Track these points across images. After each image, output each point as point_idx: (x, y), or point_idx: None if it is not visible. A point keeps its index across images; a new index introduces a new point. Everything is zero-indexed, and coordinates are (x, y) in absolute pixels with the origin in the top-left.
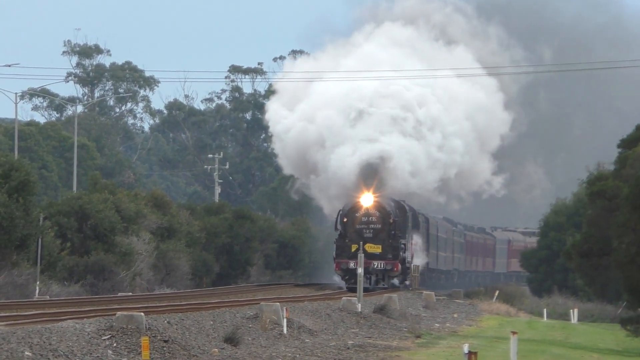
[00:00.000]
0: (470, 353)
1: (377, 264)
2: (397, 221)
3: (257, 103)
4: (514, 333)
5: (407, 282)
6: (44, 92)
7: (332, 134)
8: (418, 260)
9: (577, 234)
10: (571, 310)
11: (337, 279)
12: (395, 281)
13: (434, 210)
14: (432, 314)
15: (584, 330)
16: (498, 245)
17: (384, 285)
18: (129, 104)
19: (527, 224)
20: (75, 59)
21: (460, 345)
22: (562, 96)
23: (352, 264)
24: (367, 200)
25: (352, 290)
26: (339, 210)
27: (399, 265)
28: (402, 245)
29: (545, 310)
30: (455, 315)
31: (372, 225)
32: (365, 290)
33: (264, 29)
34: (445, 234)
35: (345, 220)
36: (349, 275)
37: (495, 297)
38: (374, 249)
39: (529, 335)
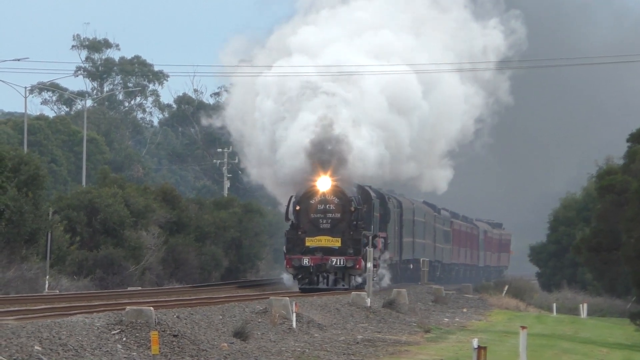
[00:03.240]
0: (479, 348)
1: (335, 261)
2: (359, 209)
3: None
4: (523, 327)
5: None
6: (53, 87)
7: (285, 109)
8: (388, 254)
9: (587, 229)
10: (580, 305)
11: (285, 278)
12: (359, 279)
13: (410, 194)
14: (441, 308)
15: (593, 324)
16: (480, 236)
17: (344, 285)
18: (138, 98)
19: (479, 215)
20: (84, 53)
21: (470, 339)
22: (564, 89)
23: (305, 261)
24: (323, 184)
25: (306, 291)
26: (291, 197)
27: (362, 262)
28: (366, 239)
29: (554, 305)
30: (465, 310)
31: (330, 215)
32: (319, 291)
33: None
34: (424, 218)
35: (297, 208)
36: (302, 274)
37: (504, 292)
38: (332, 242)
39: (539, 330)
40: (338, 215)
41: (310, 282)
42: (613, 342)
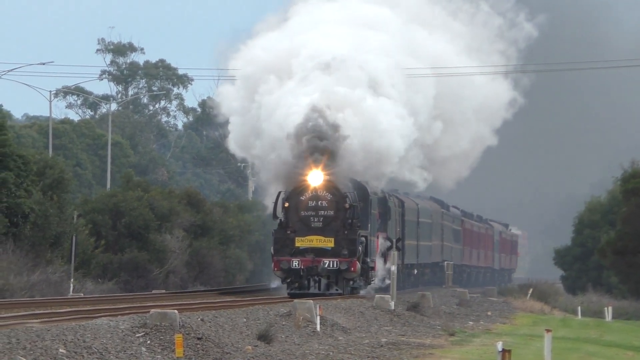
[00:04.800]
0: (504, 351)
1: (328, 263)
2: (355, 207)
3: None
4: (548, 331)
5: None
6: (78, 90)
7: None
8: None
9: (612, 232)
10: (605, 308)
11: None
12: (355, 284)
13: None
14: (465, 311)
15: (619, 327)
16: (495, 237)
17: (337, 290)
18: (162, 102)
19: (500, 218)
20: (109, 57)
21: (494, 343)
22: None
23: (295, 263)
24: (315, 179)
25: (295, 297)
26: (279, 192)
27: (357, 264)
28: (363, 239)
29: (579, 308)
30: (489, 313)
31: (322, 212)
32: (310, 296)
33: None
34: (431, 219)
35: (286, 205)
36: (292, 277)
37: (529, 295)
38: (324, 242)
39: (563, 333)
40: (331, 212)
41: (300, 286)
42: (638, 346)
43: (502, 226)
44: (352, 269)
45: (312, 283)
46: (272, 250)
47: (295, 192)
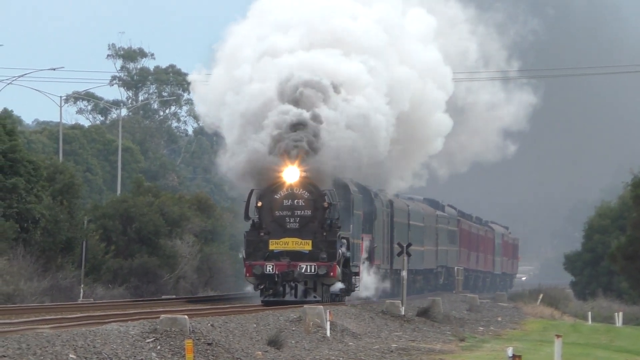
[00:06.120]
0: (514, 356)
1: (305, 268)
2: (334, 206)
3: None
4: (558, 336)
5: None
6: (88, 96)
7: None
8: (373, 260)
9: (622, 237)
10: (616, 314)
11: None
12: (336, 287)
13: (405, 191)
14: (475, 317)
15: (629, 333)
16: (496, 240)
17: (315, 297)
18: (172, 107)
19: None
20: (119, 63)
21: (505, 348)
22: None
23: (269, 268)
24: (291, 175)
25: (269, 305)
26: (251, 191)
27: (337, 269)
28: (344, 241)
29: (589, 314)
30: (500, 319)
31: (299, 212)
32: (286, 304)
33: None
34: (423, 222)
35: (259, 204)
36: (266, 284)
37: (539, 300)
38: (301, 245)
39: (574, 339)
40: (308, 212)
41: (275, 293)
42: None
43: (503, 229)
44: (332, 274)
45: (287, 289)
46: (243, 254)
47: (269, 190)
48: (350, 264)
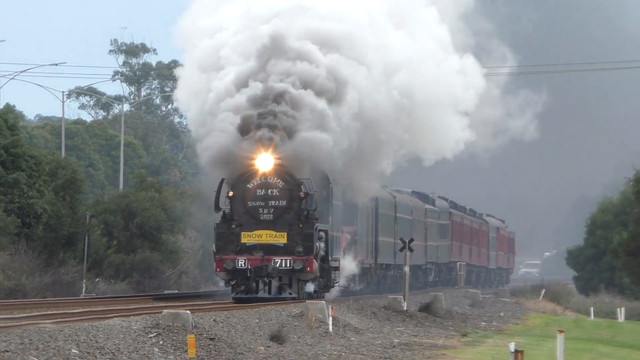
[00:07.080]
0: (516, 352)
1: (280, 262)
2: (312, 196)
3: None
4: (560, 332)
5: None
6: (90, 91)
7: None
8: (353, 256)
9: (624, 232)
10: (618, 309)
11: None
12: (310, 287)
13: (394, 182)
14: (478, 312)
15: (631, 328)
16: (491, 233)
17: (291, 294)
18: (175, 103)
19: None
20: (121, 58)
21: (507, 343)
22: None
23: (241, 262)
24: (264, 163)
25: (241, 302)
26: (221, 180)
27: (314, 263)
28: (322, 233)
29: (592, 309)
30: (502, 314)
31: (273, 203)
32: (259, 301)
33: None
34: (411, 215)
35: (230, 194)
36: (238, 279)
37: (541, 296)
38: (275, 238)
39: (576, 334)
40: (283, 203)
41: (247, 289)
42: None
43: (499, 222)
44: (309, 268)
45: (261, 285)
46: (213, 248)
47: (240, 179)
48: (330, 258)
